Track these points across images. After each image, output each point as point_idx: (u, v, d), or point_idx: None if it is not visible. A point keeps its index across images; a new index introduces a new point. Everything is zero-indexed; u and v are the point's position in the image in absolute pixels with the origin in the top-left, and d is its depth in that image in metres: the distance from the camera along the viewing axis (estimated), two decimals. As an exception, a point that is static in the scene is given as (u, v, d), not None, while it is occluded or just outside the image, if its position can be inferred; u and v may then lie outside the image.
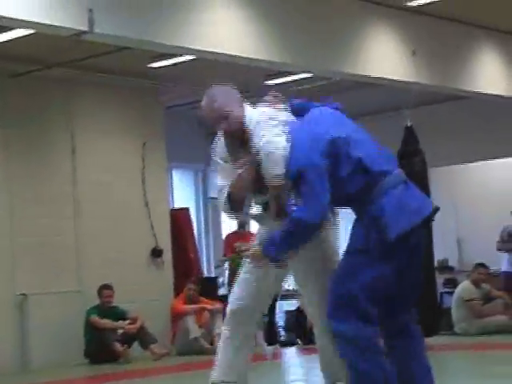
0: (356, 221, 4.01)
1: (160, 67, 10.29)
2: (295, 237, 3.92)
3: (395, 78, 9.57)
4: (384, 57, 9.39)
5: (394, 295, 4.01)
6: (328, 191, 3.88)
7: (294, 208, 3.93)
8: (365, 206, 3.93)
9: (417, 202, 4.00)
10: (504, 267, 11.41)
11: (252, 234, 11.63)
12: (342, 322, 3.88)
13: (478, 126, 12.30)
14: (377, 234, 3.88)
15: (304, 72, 10.44)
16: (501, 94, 10.70)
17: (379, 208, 3.89)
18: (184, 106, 13.08)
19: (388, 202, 3.90)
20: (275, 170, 3.98)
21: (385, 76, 9.47)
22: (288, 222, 3.93)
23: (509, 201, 11.56)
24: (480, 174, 13.08)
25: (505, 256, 11.41)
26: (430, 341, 8.02)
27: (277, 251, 3.95)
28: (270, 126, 4.05)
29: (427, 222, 4.05)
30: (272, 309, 11.80)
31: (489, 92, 10.56)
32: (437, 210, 4.05)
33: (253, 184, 4.11)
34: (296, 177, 3.90)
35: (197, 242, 12.83)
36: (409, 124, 10.52)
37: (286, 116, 4.15)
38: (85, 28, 6.82)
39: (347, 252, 3.99)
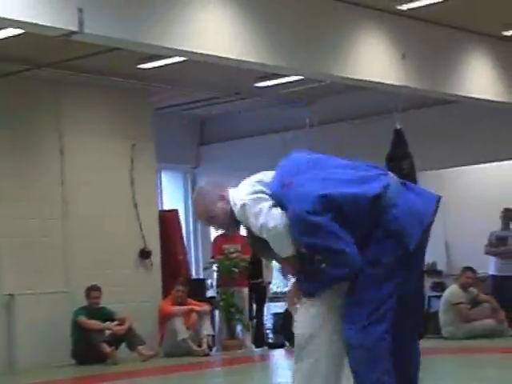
0: (365, 237, 3.95)
1: (150, 68, 10.27)
2: (332, 282, 3.96)
3: (385, 82, 9.58)
4: (374, 60, 9.40)
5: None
6: (347, 236, 3.85)
7: (324, 267, 3.91)
8: (376, 223, 3.91)
9: (422, 202, 4.00)
10: (492, 271, 11.44)
11: (241, 236, 11.66)
12: (354, 326, 3.87)
13: (468, 130, 12.31)
14: (394, 245, 3.88)
15: (294, 74, 10.45)
16: (490, 99, 10.72)
17: (392, 219, 3.89)
18: (173, 108, 13.09)
19: (399, 212, 3.90)
20: (284, 250, 3.98)
21: (374, 79, 9.47)
22: (323, 278, 3.93)
23: (497, 205, 11.58)
24: (468, 178, 13.11)
25: (492, 260, 11.44)
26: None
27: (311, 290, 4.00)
28: (258, 201, 4.02)
29: (433, 218, 4.04)
30: (260, 311, 11.82)
31: (478, 96, 10.58)
32: (439, 199, 4.05)
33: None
34: (311, 249, 3.92)
35: (185, 244, 12.82)
36: (398, 127, 10.54)
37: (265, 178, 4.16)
38: (74, 28, 6.80)
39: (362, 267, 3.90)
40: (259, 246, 4.13)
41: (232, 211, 4.14)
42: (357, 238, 3.89)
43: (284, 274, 4.25)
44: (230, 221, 4.18)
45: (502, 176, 12.70)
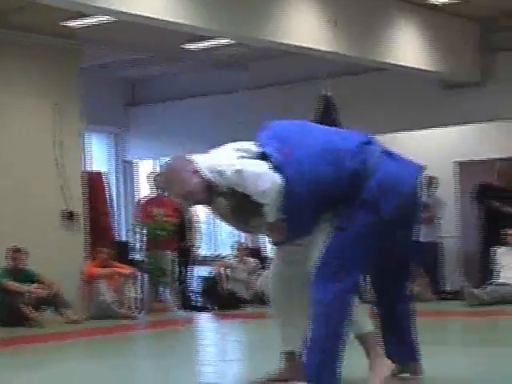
0: (338, 206, 4.06)
1: (78, 27, 10.07)
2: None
3: (315, 47, 9.59)
4: (304, 25, 9.39)
5: (385, 266, 4.24)
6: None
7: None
8: (354, 192, 4.01)
9: (404, 172, 4.11)
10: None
11: (168, 200, 11.61)
12: (317, 283, 4.00)
13: (398, 98, 12.38)
14: (367, 213, 3.98)
15: (224, 38, 10.39)
16: (417, 67, 10.84)
17: (368, 190, 3.99)
18: (102, 68, 12.89)
19: (376, 182, 4.00)
20: (273, 214, 4.03)
21: (304, 45, 9.48)
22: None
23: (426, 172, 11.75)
24: (397, 146, 13.23)
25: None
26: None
27: None
28: (253, 165, 4.03)
29: (415, 187, 4.16)
30: (187, 274, 11.83)
31: (405, 64, 10.68)
32: (422, 170, 4.19)
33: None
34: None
35: (111, 206, 12.72)
36: (327, 93, 10.57)
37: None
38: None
39: (332, 232, 4.06)
40: (245, 211, 4.11)
41: (210, 184, 4.11)
42: (332, 206, 4.02)
43: (273, 240, 4.27)
44: (208, 194, 4.15)
45: (429, 143, 12.87)
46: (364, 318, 4.22)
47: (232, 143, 4.21)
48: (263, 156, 4.08)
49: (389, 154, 4.15)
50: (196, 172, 4.14)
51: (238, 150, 4.12)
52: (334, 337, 3.95)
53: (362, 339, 4.22)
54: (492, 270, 10.52)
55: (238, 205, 4.11)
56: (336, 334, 3.95)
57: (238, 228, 4.41)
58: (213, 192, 4.16)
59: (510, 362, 5.20)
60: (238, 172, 3.98)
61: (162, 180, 4.35)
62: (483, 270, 11.20)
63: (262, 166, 4.01)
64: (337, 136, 4.19)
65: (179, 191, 4.19)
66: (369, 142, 4.14)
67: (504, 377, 4.59)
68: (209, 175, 4.09)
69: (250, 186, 3.97)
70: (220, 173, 4.04)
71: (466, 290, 10.03)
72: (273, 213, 4.00)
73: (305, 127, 4.27)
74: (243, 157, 4.06)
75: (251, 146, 4.15)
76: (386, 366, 4.19)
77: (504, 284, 10.16)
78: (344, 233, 4.01)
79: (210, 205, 4.30)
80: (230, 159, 4.05)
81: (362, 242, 4.00)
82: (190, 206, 4.36)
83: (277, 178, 3.97)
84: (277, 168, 4.00)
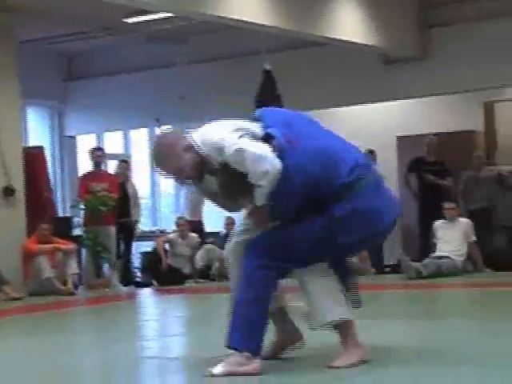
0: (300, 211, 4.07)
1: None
2: None
3: (255, 22, 9.57)
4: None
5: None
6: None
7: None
8: (332, 201, 4.01)
9: (381, 213, 4.09)
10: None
11: (108, 175, 11.54)
12: (247, 257, 4.09)
13: (339, 73, 12.42)
14: (327, 228, 4.01)
15: (164, 11, 10.31)
16: (359, 42, 10.88)
17: (342, 209, 3.99)
18: (40, 41, 12.68)
19: (353, 208, 4.00)
20: (264, 198, 3.98)
21: (244, 19, 9.45)
22: None
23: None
24: (342, 120, 13.32)
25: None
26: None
27: None
28: (256, 146, 3.95)
29: (386, 231, 4.22)
30: (127, 250, 11.78)
31: (347, 39, 10.72)
32: (399, 215, 4.23)
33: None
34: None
35: (51, 182, 12.58)
36: (267, 68, 10.58)
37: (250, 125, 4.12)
38: None
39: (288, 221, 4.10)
40: (234, 189, 4.07)
41: (202, 160, 4.05)
42: (313, 204, 4.02)
43: (256, 224, 4.20)
44: (199, 171, 4.10)
45: (374, 118, 12.97)
46: (343, 305, 4.13)
47: (230, 120, 4.13)
48: (265, 138, 4.04)
49: (379, 185, 4.16)
50: (189, 147, 4.08)
51: (238, 129, 4.02)
52: (253, 304, 4.02)
53: (340, 327, 4.13)
54: (432, 243, 10.71)
55: (227, 182, 4.07)
56: (255, 301, 4.03)
57: (226, 207, 4.33)
58: (204, 169, 4.10)
59: (453, 333, 5.32)
60: (239, 151, 3.91)
61: (153, 154, 4.23)
62: (422, 244, 11.41)
63: (264, 148, 3.94)
64: (343, 143, 4.21)
65: (171, 167, 4.12)
66: (368, 164, 4.18)
67: (450, 347, 4.69)
68: (205, 150, 4.03)
69: (249, 166, 3.90)
70: (220, 149, 3.96)
71: (404, 263, 10.18)
72: (264, 196, 3.96)
73: (312, 120, 4.29)
74: (242, 136, 3.98)
75: (252, 127, 4.09)
76: (359, 354, 4.10)
77: (440, 257, 10.35)
78: (293, 227, 4.06)
79: (199, 182, 4.23)
80: (232, 137, 3.96)
81: (303, 243, 4.05)
82: (180, 182, 4.25)
83: (276, 163, 3.92)
84: (278, 152, 3.97)
